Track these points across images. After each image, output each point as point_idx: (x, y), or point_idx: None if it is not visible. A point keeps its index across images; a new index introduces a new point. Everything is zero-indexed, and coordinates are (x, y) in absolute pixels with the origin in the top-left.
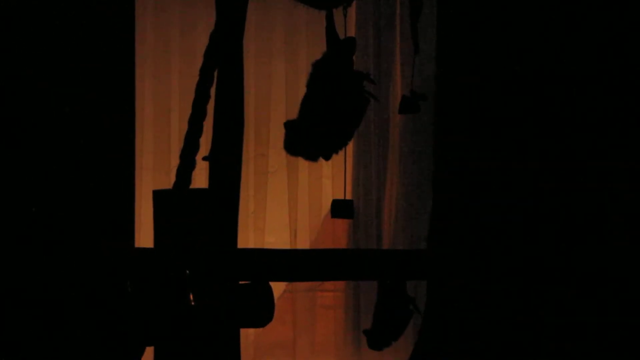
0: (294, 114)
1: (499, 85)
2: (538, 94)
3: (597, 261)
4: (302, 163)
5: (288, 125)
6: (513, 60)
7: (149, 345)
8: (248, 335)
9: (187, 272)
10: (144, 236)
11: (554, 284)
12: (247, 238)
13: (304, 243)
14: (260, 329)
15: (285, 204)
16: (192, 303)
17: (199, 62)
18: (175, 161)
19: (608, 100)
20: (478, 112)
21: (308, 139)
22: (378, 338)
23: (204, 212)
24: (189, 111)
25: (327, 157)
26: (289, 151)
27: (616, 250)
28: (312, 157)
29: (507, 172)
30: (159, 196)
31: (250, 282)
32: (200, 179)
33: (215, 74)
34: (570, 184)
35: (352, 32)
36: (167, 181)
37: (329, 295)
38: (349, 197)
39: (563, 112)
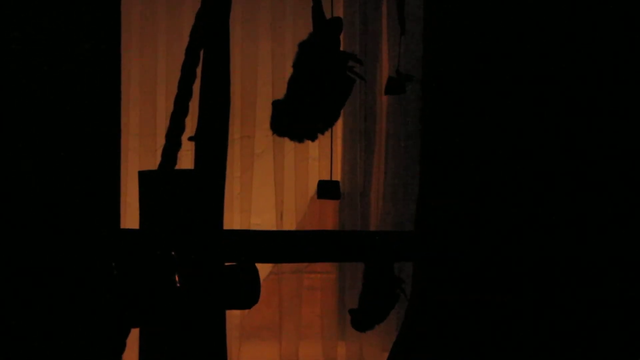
0: (280, 95)
1: (487, 66)
2: (530, 76)
3: (591, 257)
4: (288, 144)
5: (276, 104)
6: (502, 43)
7: (134, 326)
8: (234, 317)
9: (173, 253)
10: (130, 217)
11: (545, 271)
12: (233, 219)
13: (290, 224)
14: (246, 311)
15: (272, 186)
16: (178, 284)
17: (185, 41)
18: (161, 142)
19: (606, 89)
20: (465, 94)
21: (294, 119)
22: (362, 319)
23: (189, 193)
24: (174, 92)
25: (313, 138)
26: (275, 131)
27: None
28: (298, 137)
29: (495, 155)
30: (144, 177)
31: (236, 264)
32: (186, 159)
33: (201, 53)
34: (564, 173)
35: (339, 12)
36: (153, 162)
37: (315, 277)
38: (335, 178)
39: (558, 99)
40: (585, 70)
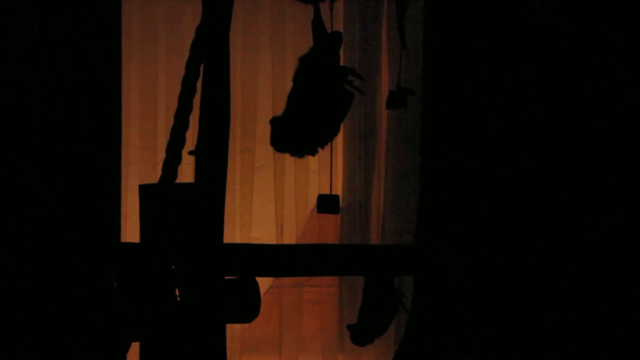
0: (280, 109)
1: (487, 81)
2: (530, 89)
3: (588, 257)
4: (288, 158)
5: (274, 121)
6: (501, 55)
7: (135, 340)
8: (234, 331)
9: (173, 267)
10: (130, 231)
11: (545, 283)
12: (234, 233)
13: (290, 238)
14: (247, 324)
15: (272, 199)
16: (178, 298)
17: (185, 55)
18: (161, 155)
19: (606, 93)
20: (465, 107)
21: (294, 134)
22: (362, 333)
23: (190, 207)
24: (175, 105)
25: (314, 152)
26: (275, 147)
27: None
28: (298, 152)
29: (495, 167)
30: (144, 191)
31: (237, 277)
32: (186, 173)
33: (202, 67)
34: (564, 181)
35: (338, 26)
36: (154, 175)
37: (316, 291)
38: (336, 191)
39: (557, 108)
40: (586, 77)
